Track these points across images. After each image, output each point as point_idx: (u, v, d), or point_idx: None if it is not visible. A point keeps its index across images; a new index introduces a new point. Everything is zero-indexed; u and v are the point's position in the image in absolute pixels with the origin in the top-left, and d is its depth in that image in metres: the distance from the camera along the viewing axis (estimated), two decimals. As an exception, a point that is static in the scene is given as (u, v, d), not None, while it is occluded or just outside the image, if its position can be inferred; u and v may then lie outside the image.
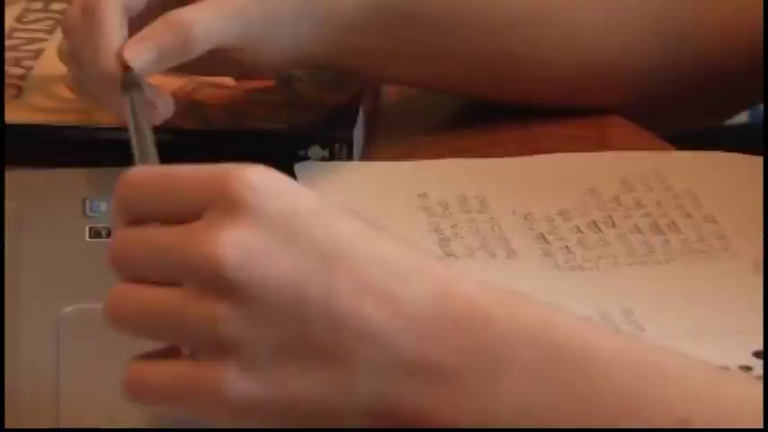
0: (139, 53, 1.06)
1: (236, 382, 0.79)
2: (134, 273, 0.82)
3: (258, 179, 0.80)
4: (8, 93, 1.22)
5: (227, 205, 0.79)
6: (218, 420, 0.82)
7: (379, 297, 0.80)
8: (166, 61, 1.08)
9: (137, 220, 0.83)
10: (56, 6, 1.33)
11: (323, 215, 0.82)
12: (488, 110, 1.23)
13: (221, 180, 0.80)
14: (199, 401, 0.81)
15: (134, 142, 1.01)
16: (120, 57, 1.06)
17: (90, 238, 1.08)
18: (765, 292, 0.91)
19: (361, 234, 0.82)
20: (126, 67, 1.05)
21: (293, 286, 0.79)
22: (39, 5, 1.33)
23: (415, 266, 0.82)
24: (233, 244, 0.78)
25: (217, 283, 0.78)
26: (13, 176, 1.13)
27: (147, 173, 0.85)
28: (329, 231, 0.81)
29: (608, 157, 1.16)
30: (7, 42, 1.29)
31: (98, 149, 1.13)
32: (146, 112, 1.04)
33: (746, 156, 1.16)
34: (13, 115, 1.19)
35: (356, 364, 0.80)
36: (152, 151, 0.98)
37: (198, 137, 1.08)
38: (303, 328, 0.80)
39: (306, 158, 1.15)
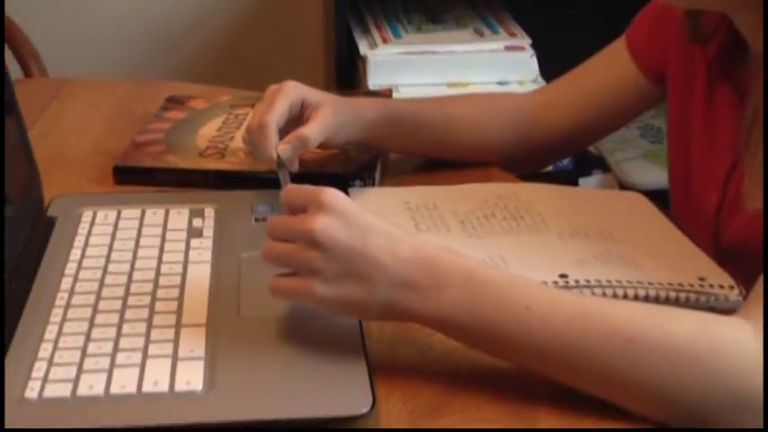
0: (285, 150, 1.05)
1: (319, 288, 0.81)
2: (275, 236, 0.84)
3: (331, 192, 0.82)
4: (216, 156, 1.20)
5: (317, 206, 0.81)
6: (308, 306, 0.84)
7: (387, 251, 0.81)
8: (296, 152, 1.06)
9: (289, 211, 0.85)
10: (240, 117, 1.30)
11: (361, 211, 0.82)
12: (438, 163, 1.22)
13: (315, 194, 0.82)
14: (301, 297, 0.83)
15: (283, 185, 1.00)
16: (275, 150, 1.05)
17: (254, 222, 1.06)
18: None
19: (379, 220, 0.82)
20: (278, 155, 1.05)
21: (347, 244, 0.80)
22: (233, 118, 1.29)
23: (404, 237, 0.83)
24: (319, 223, 0.80)
25: (311, 241, 0.80)
26: (216, 194, 1.12)
27: (287, 192, 0.86)
28: (364, 218, 0.82)
29: (492, 185, 1.15)
30: (217, 132, 1.26)
31: (257, 181, 1.12)
32: (287, 173, 1.04)
33: (554, 185, 1.15)
34: (219, 165, 1.18)
35: (375, 282, 0.81)
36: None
37: (303, 175, 1.08)
38: (351, 265, 0.81)
39: (354, 186, 1.15)
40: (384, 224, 0.83)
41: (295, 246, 0.83)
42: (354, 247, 0.81)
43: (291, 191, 0.87)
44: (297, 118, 1.10)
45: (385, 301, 0.81)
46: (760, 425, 0.77)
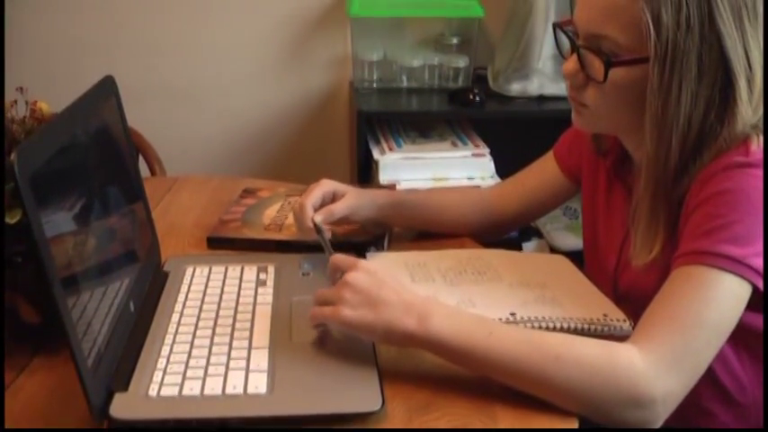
0: (318, 216, 1.05)
1: (345, 311, 0.81)
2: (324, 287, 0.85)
3: (361, 260, 0.84)
4: (276, 229, 1.19)
5: (352, 267, 0.83)
6: (339, 326, 0.83)
7: (393, 293, 0.82)
8: (325, 221, 1.06)
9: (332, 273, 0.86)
10: (293, 202, 1.28)
11: (378, 271, 0.83)
12: (427, 235, 1.20)
13: (350, 261, 0.84)
14: (332, 318, 0.82)
15: (325, 248, 1.01)
16: (312, 221, 1.05)
17: (301, 276, 1.05)
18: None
19: (389, 277, 0.83)
20: (315, 224, 1.05)
21: (368, 286, 0.81)
22: (287, 203, 1.29)
23: (405, 288, 0.84)
24: (351, 275, 0.82)
25: (345, 284, 0.82)
26: (275, 256, 1.11)
27: (333, 260, 0.87)
28: (380, 276, 0.83)
29: (464, 250, 1.14)
30: (276, 213, 1.25)
31: (304, 248, 1.11)
32: (326, 237, 1.04)
33: (507, 251, 1.13)
34: (278, 236, 1.17)
35: (382, 310, 0.81)
36: (331, 250, 0.97)
37: (336, 243, 1.07)
38: (368, 298, 0.81)
39: (370, 251, 1.13)
40: (394, 280, 0.84)
41: (335, 289, 0.84)
42: (372, 289, 0.82)
43: (337, 257, 0.88)
44: (330, 203, 1.10)
45: (388, 322, 0.81)
46: (647, 419, 0.77)
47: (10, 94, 0.97)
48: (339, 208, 1.08)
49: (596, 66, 0.89)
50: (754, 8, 0.84)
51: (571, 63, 0.92)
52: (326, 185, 1.11)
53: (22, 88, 0.95)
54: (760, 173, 0.83)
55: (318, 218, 1.06)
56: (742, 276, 0.80)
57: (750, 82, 0.84)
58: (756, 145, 0.85)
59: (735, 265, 0.80)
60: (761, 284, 0.81)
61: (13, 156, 0.66)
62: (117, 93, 1.00)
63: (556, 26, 0.96)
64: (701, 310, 0.79)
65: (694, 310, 0.79)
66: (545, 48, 1.94)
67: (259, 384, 0.80)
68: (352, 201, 1.10)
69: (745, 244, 0.80)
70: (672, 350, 0.78)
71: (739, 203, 0.82)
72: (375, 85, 2.08)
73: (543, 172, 1.19)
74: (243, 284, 1.03)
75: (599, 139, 1.08)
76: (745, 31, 0.83)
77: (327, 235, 1.06)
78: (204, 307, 0.97)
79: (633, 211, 0.94)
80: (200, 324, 0.93)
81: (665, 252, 0.88)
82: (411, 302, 0.82)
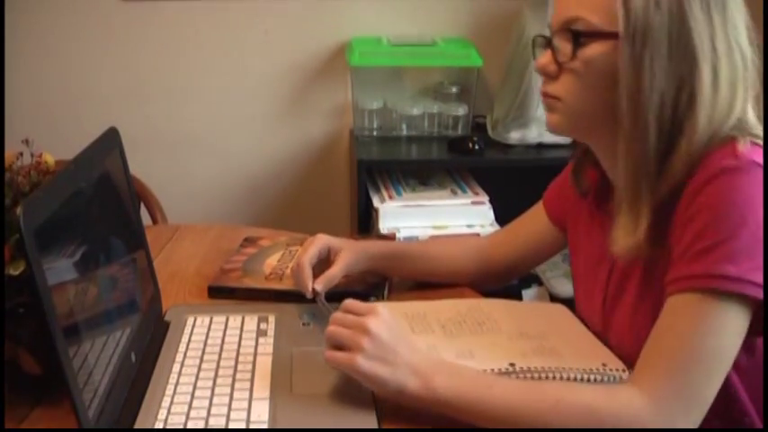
0: (318, 285, 1.07)
1: (360, 360, 0.82)
2: (338, 323, 0.87)
3: (385, 310, 0.85)
4: (276, 279, 1.19)
5: (371, 313, 0.85)
6: (351, 374, 0.84)
7: (407, 352, 0.84)
8: (326, 287, 1.07)
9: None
10: (293, 252, 1.29)
11: (393, 321, 0.85)
12: (426, 284, 1.20)
13: (367, 306, 0.86)
14: (346, 365, 0.83)
15: (320, 306, 1.03)
16: (311, 284, 1.07)
17: (302, 326, 1.06)
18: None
19: (407, 336, 0.85)
20: (314, 288, 1.06)
21: (386, 341, 0.83)
22: (288, 252, 1.29)
23: (419, 349, 0.86)
24: (372, 322, 0.83)
25: (366, 330, 0.83)
26: (276, 306, 1.11)
27: (347, 305, 0.89)
28: (398, 331, 0.85)
29: (463, 300, 1.14)
30: (277, 263, 1.26)
31: (304, 298, 1.09)
32: (323, 299, 1.05)
33: (506, 300, 1.13)
34: (278, 286, 1.17)
35: (396, 366, 0.82)
36: (330, 309, 0.98)
37: (336, 292, 1.08)
38: (385, 353, 0.83)
39: (369, 300, 1.13)
40: (409, 339, 0.86)
41: (351, 331, 0.85)
42: (389, 344, 0.84)
43: (352, 303, 0.89)
44: (326, 257, 1.12)
45: (400, 380, 0.82)
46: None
47: (16, 146, 0.98)
48: (336, 272, 1.09)
49: (568, 49, 0.87)
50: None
51: (545, 57, 0.91)
52: (321, 241, 1.12)
53: (27, 140, 0.97)
54: (750, 178, 0.79)
55: (319, 287, 1.07)
56: (741, 294, 0.77)
57: (715, 70, 0.83)
58: (743, 145, 0.81)
59: (732, 284, 0.77)
60: (762, 297, 0.77)
61: (18, 210, 0.67)
62: (120, 144, 1.02)
63: (534, 39, 0.96)
64: (700, 340, 0.78)
65: (693, 341, 0.78)
66: (543, 96, 1.96)
67: (260, 436, 0.81)
68: (347, 259, 1.11)
69: (741, 260, 0.77)
70: (673, 385, 0.78)
71: (729, 217, 0.78)
72: (375, 134, 2.10)
73: (534, 221, 1.20)
74: (243, 335, 1.03)
75: (579, 176, 1.07)
76: (711, 17, 0.83)
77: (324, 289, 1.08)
78: (205, 357, 0.98)
79: (617, 204, 0.90)
80: (201, 375, 0.93)
81: (653, 291, 0.88)
82: (417, 364, 0.84)
